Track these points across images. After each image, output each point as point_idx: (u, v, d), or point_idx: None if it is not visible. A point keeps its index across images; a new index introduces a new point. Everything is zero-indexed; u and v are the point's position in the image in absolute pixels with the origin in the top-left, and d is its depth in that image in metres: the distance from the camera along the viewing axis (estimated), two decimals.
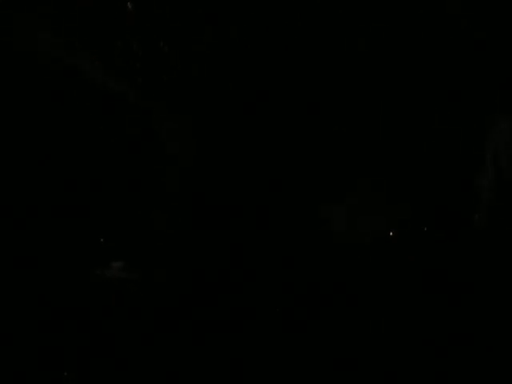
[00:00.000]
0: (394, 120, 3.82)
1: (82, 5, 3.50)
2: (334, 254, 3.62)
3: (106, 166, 3.53)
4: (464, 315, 3.38)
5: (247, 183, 3.79)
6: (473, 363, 3.17)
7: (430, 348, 3.27)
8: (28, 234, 3.23)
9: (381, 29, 3.70)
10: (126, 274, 3.35)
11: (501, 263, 3.49)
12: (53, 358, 3.02)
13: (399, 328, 3.38)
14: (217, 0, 3.74)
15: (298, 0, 3.69)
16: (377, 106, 3.83)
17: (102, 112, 3.55)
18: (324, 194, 3.76)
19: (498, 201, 3.63)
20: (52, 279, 3.24)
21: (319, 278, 3.59)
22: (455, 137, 3.77)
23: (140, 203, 3.58)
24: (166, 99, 3.70)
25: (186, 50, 3.81)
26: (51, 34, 3.37)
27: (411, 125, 3.81)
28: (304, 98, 3.87)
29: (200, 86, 3.82)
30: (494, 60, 3.63)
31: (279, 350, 3.26)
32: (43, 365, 3.00)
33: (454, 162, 3.78)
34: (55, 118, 3.40)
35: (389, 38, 3.74)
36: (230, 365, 3.17)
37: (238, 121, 3.84)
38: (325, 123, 3.88)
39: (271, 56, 3.82)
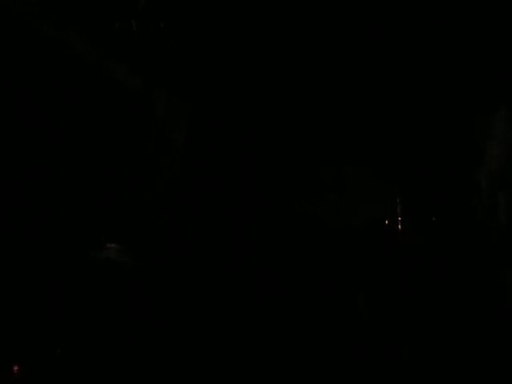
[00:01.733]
0: (392, 112, 3.81)
1: None
2: (328, 240, 3.63)
3: (104, 152, 3.54)
4: (460, 302, 3.38)
5: (244, 170, 3.79)
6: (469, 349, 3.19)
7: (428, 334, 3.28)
8: (26, 218, 3.25)
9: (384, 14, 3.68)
10: (120, 256, 3.37)
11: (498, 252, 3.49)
12: (51, 336, 3.04)
13: (394, 314, 3.39)
14: None
15: None
16: (375, 97, 3.82)
17: (102, 98, 3.55)
18: (320, 183, 3.76)
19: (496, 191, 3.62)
20: (50, 261, 3.25)
21: (314, 264, 3.60)
22: (454, 128, 3.76)
23: (136, 188, 3.59)
24: (166, 86, 3.70)
25: (186, 37, 3.80)
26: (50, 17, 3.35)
27: (411, 116, 3.80)
28: (301, 85, 3.85)
29: (200, 74, 3.81)
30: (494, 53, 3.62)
31: (276, 332, 3.28)
32: (41, 341, 3.02)
33: (452, 153, 3.78)
34: (56, 103, 3.39)
35: (390, 27, 3.72)
36: (228, 342, 3.19)
37: (237, 108, 3.84)
38: (322, 111, 3.87)
39: (271, 43, 3.80)
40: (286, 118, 3.85)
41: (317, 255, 3.64)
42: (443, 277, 3.49)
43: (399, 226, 3.62)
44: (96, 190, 3.48)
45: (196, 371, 3.10)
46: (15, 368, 2.85)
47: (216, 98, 3.83)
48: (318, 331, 3.34)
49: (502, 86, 3.63)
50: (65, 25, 3.36)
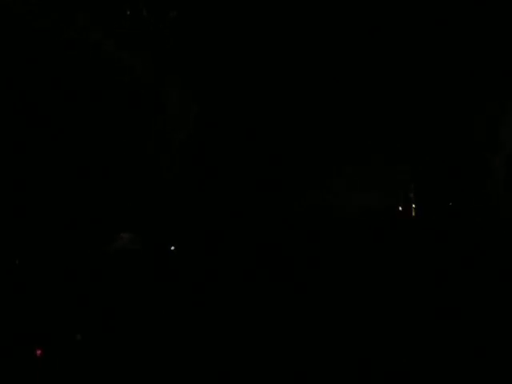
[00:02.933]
0: (405, 98, 3.77)
1: None
2: (333, 226, 3.62)
3: (112, 142, 3.57)
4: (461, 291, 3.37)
5: (246, 157, 3.79)
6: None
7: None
8: (44, 212, 3.31)
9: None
10: (132, 245, 3.43)
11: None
12: (65, 320, 3.11)
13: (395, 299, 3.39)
14: None
15: None
16: (387, 82, 3.77)
17: (109, 81, 3.56)
18: (323, 170, 3.75)
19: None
20: (66, 250, 3.32)
21: (318, 249, 3.60)
22: (468, 114, 3.71)
23: (143, 179, 3.63)
24: (172, 73, 3.70)
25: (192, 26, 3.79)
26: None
27: (424, 102, 3.75)
28: (301, 72, 3.82)
29: (207, 73, 3.81)
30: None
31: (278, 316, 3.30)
32: (57, 326, 3.09)
33: (466, 139, 3.73)
34: (62, 87, 3.41)
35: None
36: (230, 326, 3.23)
37: (242, 105, 3.83)
38: (329, 99, 3.84)
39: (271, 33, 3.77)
40: (292, 108, 3.83)
41: (326, 243, 3.64)
42: (457, 264, 3.48)
43: (412, 213, 3.60)
44: (105, 185, 3.54)
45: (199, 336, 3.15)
46: (38, 352, 2.91)
47: (221, 97, 3.82)
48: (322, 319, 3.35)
49: None
50: (74, 16, 3.36)
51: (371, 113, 3.81)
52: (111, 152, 3.59)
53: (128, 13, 3.65)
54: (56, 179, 3.40)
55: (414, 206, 3.61)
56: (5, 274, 3.16)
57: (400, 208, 3.62)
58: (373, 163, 3.70)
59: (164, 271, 3.46)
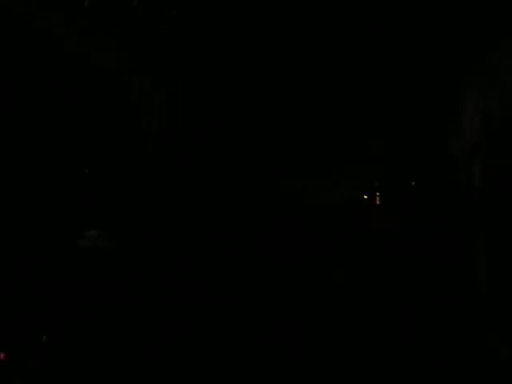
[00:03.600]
0: (367, 95, 3.82)
1: None
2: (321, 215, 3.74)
3: (85, 138, 3.50)
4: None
5: (229, 151, 3.79)
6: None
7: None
8: (10, 208, 3.24)
9: None
10: (101, 242, 3.39)
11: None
12: (35, 320, 3.09)
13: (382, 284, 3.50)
14: None
15: None
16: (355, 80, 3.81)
17: (83, 83, 3.48)
18: (307, 162, 3.81)
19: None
20: (33, 248, 3.27)
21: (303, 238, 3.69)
22: (428, 106, 3.81)
23: (117, 174, 3.58)
24: (146, 73, 3.64)
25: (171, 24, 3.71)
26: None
27: (387, 97, 3.81)
28: (289, 64, 3.81)
29: (182, 60, 3.74)
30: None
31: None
32: (29, 327, 3.06)
33: (427, 129, 3.83)
34: (38, 86, 3.32)
35: None
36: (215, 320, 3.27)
37: (221, 90, 3.79)
38: (310, 94, 3.85)
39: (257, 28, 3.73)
40: (276, 98, 3.83)
41: (311, 227, 3.73)
42: (425, 247, 3.61)
43: (376, 202, 3.75)
44: (73, 179, 3.47)
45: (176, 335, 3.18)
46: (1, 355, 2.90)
47: (194, 84, 3.78)
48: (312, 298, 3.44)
49: (473, 62, 3.66)
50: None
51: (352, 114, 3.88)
52: (77, 145, 3.52)
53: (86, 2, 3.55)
54: (23, 174, 3.32)
55: (377, 196, 3.76)
56: None
57: (366, 197, 3.78)
58: (346, 162, 3.87)
59: (135, 269, 3.46)
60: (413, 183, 3.76)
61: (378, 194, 3.81)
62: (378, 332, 3.26)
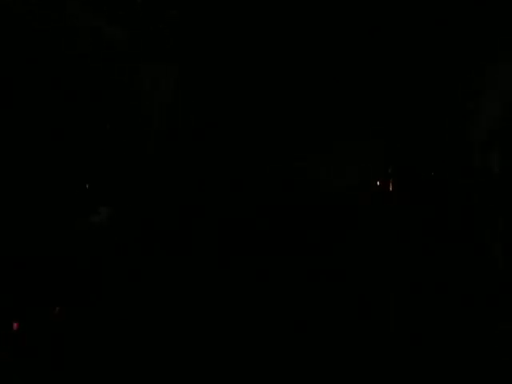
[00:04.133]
0: (383, 72, 3.74)
1: None
2: (320, 200, 3.64)
3: (92, 116, 3.51)
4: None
5: (231, 132, 3.76)
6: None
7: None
8: (16, 182, 3.27)
9: None
10: (111, 219, 3.41)
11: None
12: (44, 296, 3.12)
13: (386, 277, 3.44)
14: None
15: None
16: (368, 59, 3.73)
17: (91, 57, 3.49)
18: (311, 143, 3.73)
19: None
20: (41, 226, 3.30)
21: (307, 224, 3.63)
22: (447, 88, 3.70)
23: (124, 152, 3.59)
24: (154, 48, 3.63)
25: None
26: None
27: (403, 76, 3.73)
28: (293, 49, 3.76)
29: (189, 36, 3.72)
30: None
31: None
32: (36, 302, 3.10)
33: (446, 111, 3.73)
34: (44, 63, 3.34)
35: None
36: (216, 301, 3.27)
37: (225, 68, 3.76)
38: (312, 74, 3.79)
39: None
40: (277, 79, 3.78)
41: (310, 215, 3.66)
42: (437, 235, 3.53)
43: (390, 187, 3.61)
44: (83, 156, 3.49)
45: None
46: (15, 325, 2.93)
47: (205, 59, 3.75)
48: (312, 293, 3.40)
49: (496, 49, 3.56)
50: None
51: (349, 85, 3.79)
52: (87, 124, 3.54)
53: None
54: (32, 153, 3.35)
55: (391, 180, 3.62)
56: None
57: (378, 183, 3.63)
58: (348, 137, 3.68)
59: (143, 250, 3.46)
60: (432, 172, 3.67)
61: (390, 179, 3.66)
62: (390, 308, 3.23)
